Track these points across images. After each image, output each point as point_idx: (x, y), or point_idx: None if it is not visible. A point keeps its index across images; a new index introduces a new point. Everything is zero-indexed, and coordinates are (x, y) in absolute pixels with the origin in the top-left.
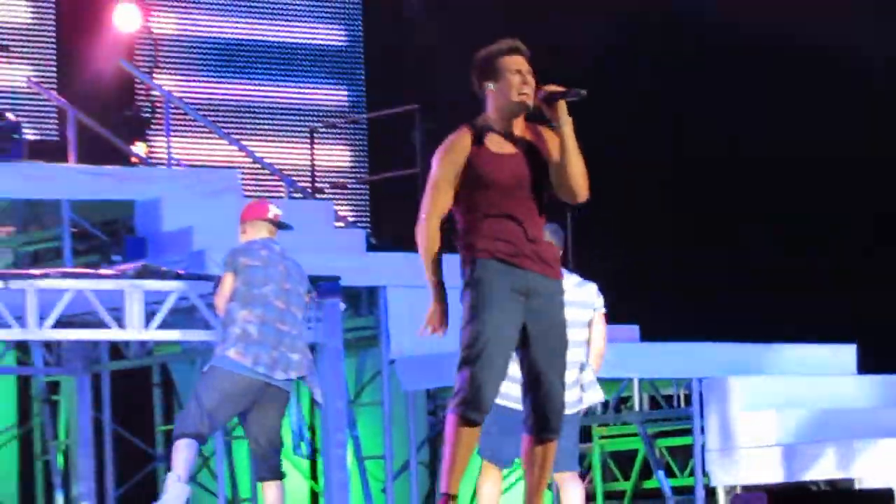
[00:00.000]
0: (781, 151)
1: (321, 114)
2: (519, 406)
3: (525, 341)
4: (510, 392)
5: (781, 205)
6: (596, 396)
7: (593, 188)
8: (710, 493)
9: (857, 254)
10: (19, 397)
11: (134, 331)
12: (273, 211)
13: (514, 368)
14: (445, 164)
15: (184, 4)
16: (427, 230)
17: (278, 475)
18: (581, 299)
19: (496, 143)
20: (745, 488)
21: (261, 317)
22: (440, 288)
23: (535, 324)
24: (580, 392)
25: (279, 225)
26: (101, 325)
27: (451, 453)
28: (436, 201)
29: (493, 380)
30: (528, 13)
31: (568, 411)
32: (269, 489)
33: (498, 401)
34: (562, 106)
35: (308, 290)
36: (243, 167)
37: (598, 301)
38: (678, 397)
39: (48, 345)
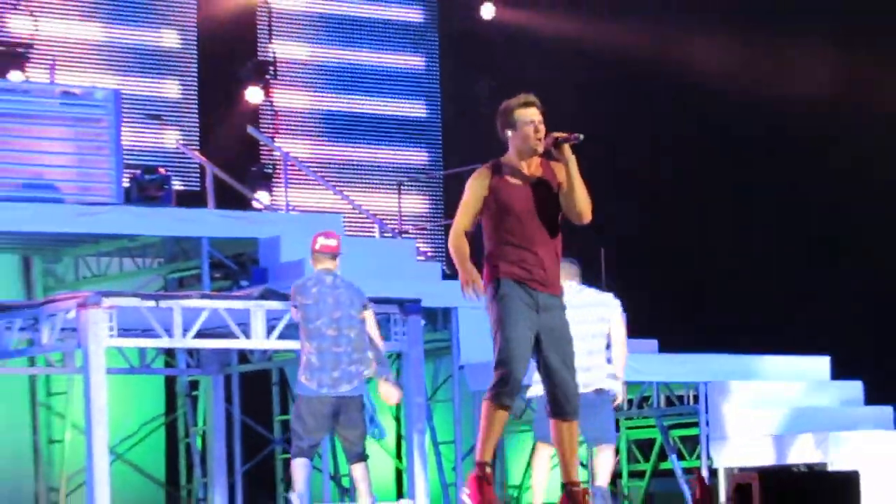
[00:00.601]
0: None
1: (407, 170)
2: None
3: (539, 346)
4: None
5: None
6: (611, 384)
7: (629, 226)
8: (713, 473)
9: (837, 278)
10: (167, 393)
11: (258, 341)
12: (319, 243)
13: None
14: (471, 191)
15: (298, 84)
16: (455, 237)
17: (363, 458)
18: (597, 301)
19: (514, 177)
20: (741, 469)
21: (318, 347)
22: (473, 268)
23: (546, 332)
24: (597, 376)
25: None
26: (231, 336)
27: (487, 429)
28: (462, 218)
29: (521, 374)
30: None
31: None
32: (356, 468)
33: None
34: (566, 148)
35: (363, 305)
36: (345, 212)
37: (614, 303)
38: (688, 397)
39: (190, 351)
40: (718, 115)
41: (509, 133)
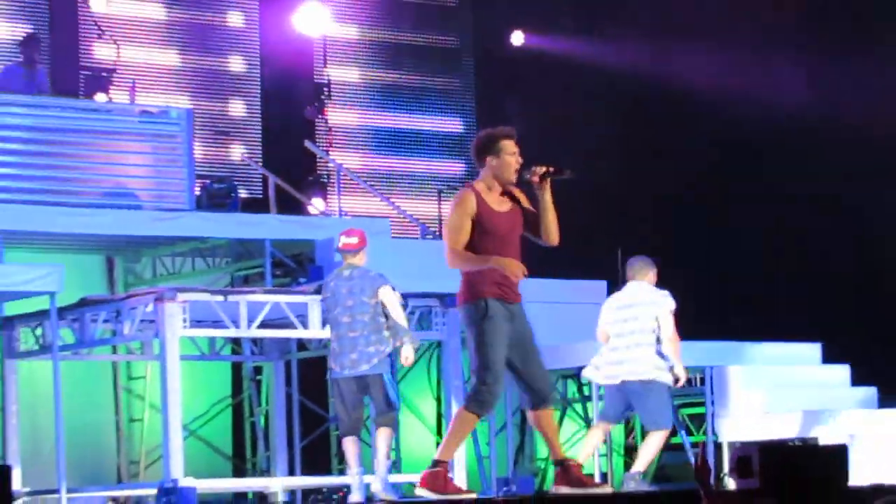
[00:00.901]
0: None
1: (445, 180)
2: (616, 381)
3: (511, 348)
4: (611, 372)
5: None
6: (657, 375)
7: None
8: (718, 447)
9: (829, 274)
10: (233, 377)
11: (314, 331)
12: (341, 241)
13: (609, 355)
14: (460, 213)
15: (349, 103)
16: (460, 251)
17: (387, 425)
18: (651, 300)
19: (494, 202)
20: (743, 443)
21: (337, 335)
22: (496, 259)
23: (518, 337)
24: (644, 367)
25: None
26: (291, 326)
27: (459, 434)
28: (459, 237)
29: (501, 391)
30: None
31: (629, 377)
32: (379, 432)
33: (606, 381)
34: (548, 180)
35: (375, 290)
36: (391, 217)
37: (663, 301)
38: (695, 379)
39: (254, 340)
40: (715, 120)
41: (490, 159)
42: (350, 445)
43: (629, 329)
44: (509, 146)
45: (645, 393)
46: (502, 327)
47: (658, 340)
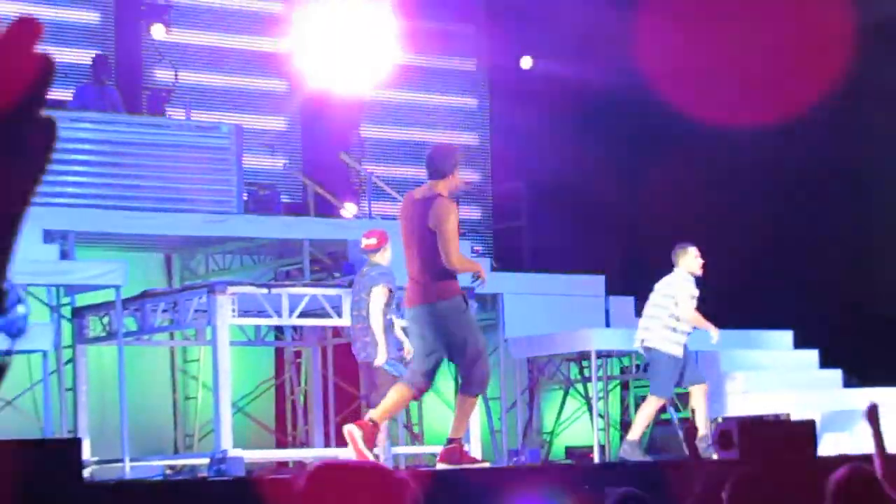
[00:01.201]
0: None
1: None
2: (637, 343)
3: None
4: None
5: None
6: (659, 345)
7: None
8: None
9: (801, 266)
10: (276, 360)
11: (347, 319)
12: (362, 243)
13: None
14: (455, 221)
15: (380, 120)
16: (462, 255)
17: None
18: (670, 282)
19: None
20: (724, 419)
21: (352, 326)
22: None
23: None
24: (651, 336)
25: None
26: (327, 316)
27: (464, 415)
28: (457, 242)
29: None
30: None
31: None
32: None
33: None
34: None
35: (370, 289)
36: None
37: (680, 285)
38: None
39: (294, 328)
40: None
41: (454, 172)
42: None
43: (651, 303)
44: (461, 164)
45: (653, 360)
46: (474, 317)
47: (678, 319)
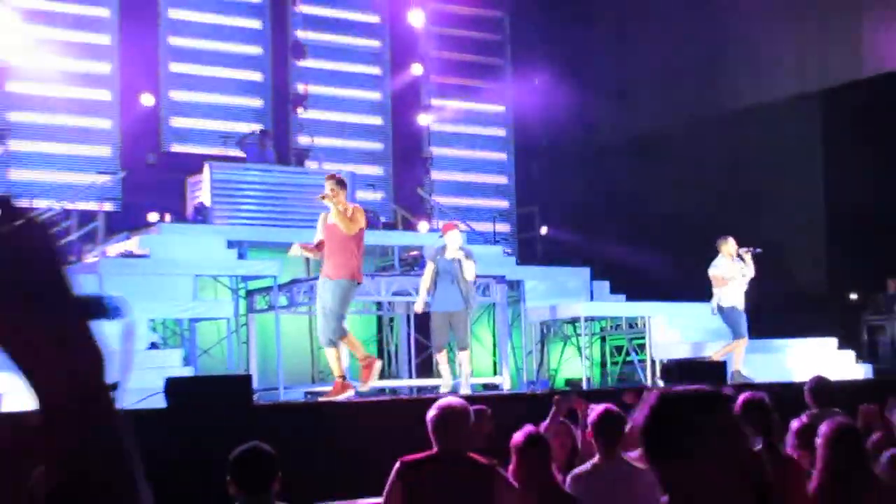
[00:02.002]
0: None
1: (498, 210)
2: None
3: None
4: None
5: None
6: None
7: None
8: (653, 363)
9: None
10: (378, 323)
11: (421, 298)
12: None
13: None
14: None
15: (442, 166)
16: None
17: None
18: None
19: None
20: (668, 360)
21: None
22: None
23: None
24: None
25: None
26: (410, 295)
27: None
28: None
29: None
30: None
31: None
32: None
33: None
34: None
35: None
36: (467, 231)
37: (714, 263)
38: (639, 322)
39: (389, 302)
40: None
41: (342, 193)
42: (441, 358)
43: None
44: None
45: (720, 314)
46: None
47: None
